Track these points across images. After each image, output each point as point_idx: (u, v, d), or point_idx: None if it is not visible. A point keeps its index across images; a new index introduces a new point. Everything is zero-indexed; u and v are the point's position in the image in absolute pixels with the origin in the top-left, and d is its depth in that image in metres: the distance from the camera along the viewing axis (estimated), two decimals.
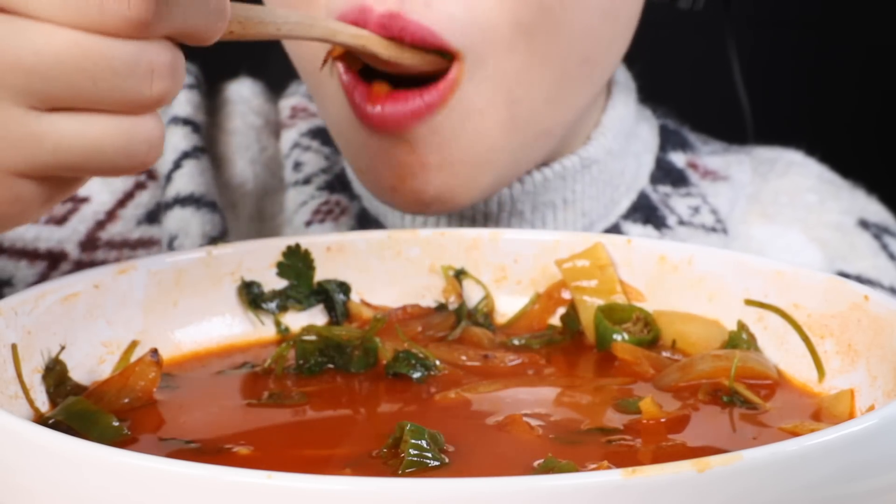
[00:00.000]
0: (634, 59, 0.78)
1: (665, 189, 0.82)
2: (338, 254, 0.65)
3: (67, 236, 0.80)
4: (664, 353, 0.60)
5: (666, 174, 0.83)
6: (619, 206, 0.80)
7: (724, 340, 0.59)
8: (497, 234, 0.66)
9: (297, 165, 0.81)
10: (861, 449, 0.40)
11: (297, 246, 0.64)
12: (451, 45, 0.64)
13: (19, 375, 0.52)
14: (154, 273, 0.60)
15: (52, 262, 0.79)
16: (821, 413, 0.53)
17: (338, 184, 0.80)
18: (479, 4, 0.64)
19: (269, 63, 0.85)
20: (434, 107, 0.65)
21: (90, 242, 0.80)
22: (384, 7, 0.63)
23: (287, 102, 0.85)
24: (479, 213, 0.76)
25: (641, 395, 0.53)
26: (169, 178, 0.80)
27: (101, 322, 0.58)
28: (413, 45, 0.64)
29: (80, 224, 0.80)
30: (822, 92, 1.31)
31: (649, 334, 0.61)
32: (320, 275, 0.65)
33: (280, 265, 0.64)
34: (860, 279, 0.83)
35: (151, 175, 0.81)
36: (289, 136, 0.83)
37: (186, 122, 0.81)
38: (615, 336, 0.60)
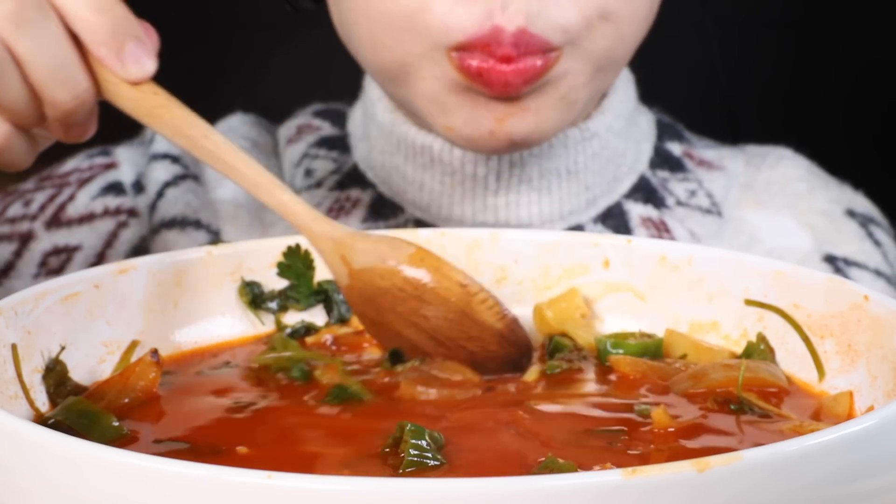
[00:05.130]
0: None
1: (663, 174, 0.87)
2: None
3: None
4: (667, 360, 0.59)
5: (664, 160, 0.88)
6: (621, 185, 0.85)
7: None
8: (497, 235, 0.66)
9: (309, 172, 0.87)
10: (861, 449, 0.40)
11: (298, 246, 0.64)
12: (556, 46, 0.71)
13: (19, 375, 0.52)
14: (154, 273, 0.60)
15: None
16: (821, 413, 0.53)
17: (348, 180, 0.86)
18: (575, 3, 0.70)
19: (267, 100, 0.96)
20: (544, 71, 0.71)
21: None
22: (514, 25, 0.69)
23: (293, 122, 0.93)
24: (491, 173, 0.80)
25: (649, 398, 0.53)
26: (154, 207, 0.86)
27: (101, 322, 0.58)
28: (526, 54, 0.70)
29: (73, 272, 0.84)
30: (808, 94, 1.32)
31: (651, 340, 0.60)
32: (320, 275, 0.65)
33: (280, 265, 0.64)
34: (847, 261, 0.87)
35: (132, 213, 0.87)
36: (298, 149, 0.89)
37: (165, 156, 0.88)
38: (616, 350, 0.59)
